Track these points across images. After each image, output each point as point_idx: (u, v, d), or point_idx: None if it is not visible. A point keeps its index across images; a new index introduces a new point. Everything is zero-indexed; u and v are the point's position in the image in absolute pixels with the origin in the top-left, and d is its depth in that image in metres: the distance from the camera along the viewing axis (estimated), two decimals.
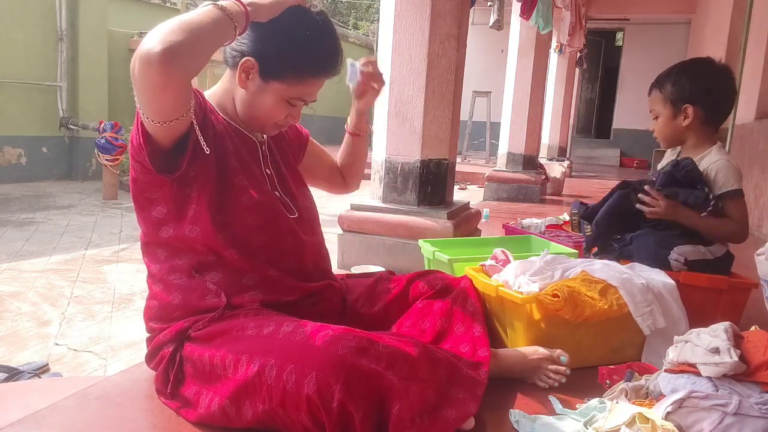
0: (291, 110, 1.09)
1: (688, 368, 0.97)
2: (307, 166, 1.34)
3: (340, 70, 1.14)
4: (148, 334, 1.09)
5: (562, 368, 1.18)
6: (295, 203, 1.15)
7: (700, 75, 1.59)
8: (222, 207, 1.02)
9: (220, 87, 1.13)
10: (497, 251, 1.51)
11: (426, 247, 1.86)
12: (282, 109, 1.07)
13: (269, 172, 1.14)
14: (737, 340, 0.97)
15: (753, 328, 1.04)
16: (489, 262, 1.47)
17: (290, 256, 1.10)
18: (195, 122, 0.96)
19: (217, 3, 0.93)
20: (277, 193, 1.13)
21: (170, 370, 1.00)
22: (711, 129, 1.63)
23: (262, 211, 1.06)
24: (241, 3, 0.94)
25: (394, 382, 0.83)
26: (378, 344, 0.87)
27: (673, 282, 1.36)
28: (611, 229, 1.68)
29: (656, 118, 1.65)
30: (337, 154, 1.41)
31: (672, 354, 1.01)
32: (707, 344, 0.95)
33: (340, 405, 0.79)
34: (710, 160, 1.59)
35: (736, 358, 0.91)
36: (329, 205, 3.06)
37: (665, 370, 1.02)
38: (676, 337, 1.05)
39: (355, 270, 2.04)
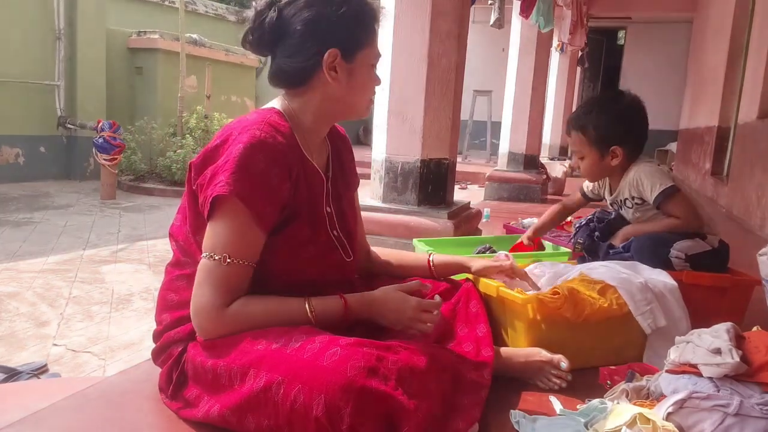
0: (374, 75, 1.08)
1: (689, 369, 0.96)
2: None
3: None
4: (157, 327, 1.07)
5: (564, 373, 1.18)
6: (351, 244, 1.13)
7: (619, 114, 1.63)
8: (275, 254, 0.99)
9: (292, 107, 1.05)
10: (500, 254, 1.50)
11: (420, 247, 1.86)
12: (372, 77, 1.07)
13: (329, 210, 1.09)
14: (739, 341, 0.96)
15: (755, 328, 1.04)
16: None
17: (331, 290, 1.06)
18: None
19: (313, 309, 0.97)
20: (335, 232, 1.09)
21: (174, 371, 1.00)
22: (635, 157, 1.67)
23: (319, 261, 1.05)
24: (347, 306, 1.00)
25: (404, 402, 0.82)
26: (387, 360, 0.85)
27: (674, 282, 1.36)
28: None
29: (582, 158, 1.69)
30: (392, 254, 1.31)
31: (673, 354, 1.01)
32: (709, 345, 0.95)
33: (349, 428, 0.79)
34: (634, 173, 1.63)
35: (737, 359, 0.90)
36: None
37: (666, 371, 1.01)
38: (677, 338, 1.05)
39: None
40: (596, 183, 1.81)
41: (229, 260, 0.93)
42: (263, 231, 0.96)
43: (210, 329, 0.94)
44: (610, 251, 1.66)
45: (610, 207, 1.79)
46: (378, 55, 1.08)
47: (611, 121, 1.61)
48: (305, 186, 1.03)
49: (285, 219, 1.00)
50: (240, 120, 1.01)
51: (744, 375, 0.91)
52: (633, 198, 1.66)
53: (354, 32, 1.01)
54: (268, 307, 0.96)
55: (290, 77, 1.04)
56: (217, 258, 0.93)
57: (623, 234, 1.66)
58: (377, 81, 1.10)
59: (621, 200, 1.70)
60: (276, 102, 1.07)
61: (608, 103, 1.66)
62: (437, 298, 1.09)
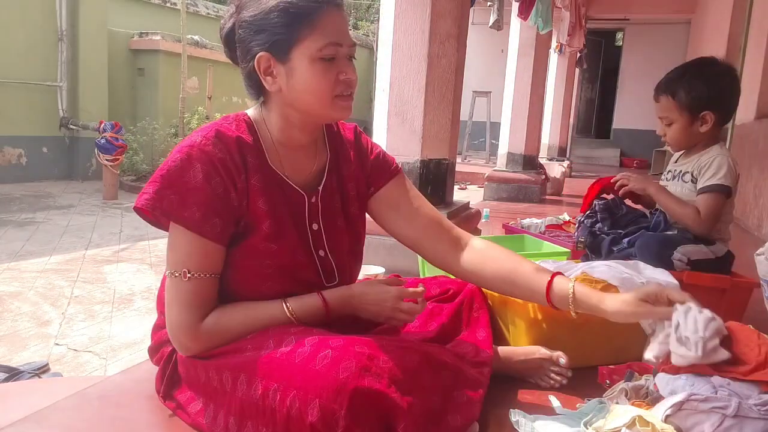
0: (336, 67, 0.93)
1: (686, 368, 0.96)
2: (377, 212, 1.13)
3: None
4: (155, 323, 1.08)
5: (563, 370, 1.19)
6: (340, 264, 1.05)
7: (713, 79, 1.58)
8: (234, 268, 0.96)
9: (263, 117, 1.00)
10: None
11: None
12: (325, 71, 0.92)
13: (316, 227, 1.02)
14: (725, 340, 0.95)
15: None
16: None
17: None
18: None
19: (293, 311, 0.96)
20: (321, 252, 1.02)
21: (166, 370, 1.00)
22: (720, 128, 1.65)
23: (288, 280, 0.99)
24: (326, 304, 0.97)
25: (398, 399, 0.82)
26: (378, 359, 0.84)
27: (676, 282, 1.36)
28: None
29: (669, 124, 1.64)
30: (502, 267, 1.05)
31: (660, 333, 0.97)
32: (683, 332, 0.93)
33: (345, 430, 0.78)
34: (713, 154, 1.60)
35: (700, 353, 0.89)
36: None
37: (663, 370, 1.01)
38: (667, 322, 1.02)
39: None
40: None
41: (189, 275, 0.91)
42: (213, 241, 0.92)
43: (190, 347, 0.94)
44: (614, 248, 1.66)
45: (665, 174, 1.75)
46: (330, 44, 0.91)
47: (704, 85, 1.56)
48: (265, 198, 0.96)
49: (241, 231, 0.95)
50: (200, 127, 0.99)
51: (740, 374, 0.91)
52: (693, 175, 1.62)
53: (282, 28, 0.90)
54: (245, 315, 0.95)
55: (247, 88, 0.99)
56: (177, 275, 0.92)
57: (653, 188, 1.64)
58: (343, 74, 0.93)
59: (681, 171, 1.66)
60: (252, 109, 1.03)
61: (702, 68, 1.61)
62: (421, 286, 1.05)
